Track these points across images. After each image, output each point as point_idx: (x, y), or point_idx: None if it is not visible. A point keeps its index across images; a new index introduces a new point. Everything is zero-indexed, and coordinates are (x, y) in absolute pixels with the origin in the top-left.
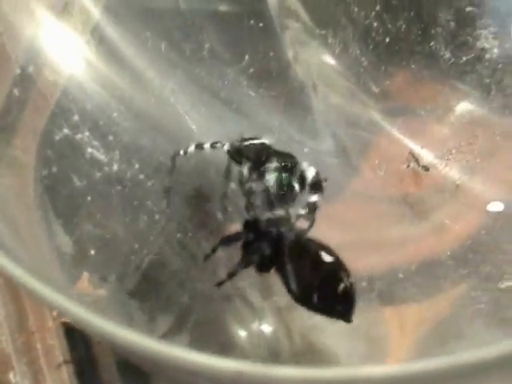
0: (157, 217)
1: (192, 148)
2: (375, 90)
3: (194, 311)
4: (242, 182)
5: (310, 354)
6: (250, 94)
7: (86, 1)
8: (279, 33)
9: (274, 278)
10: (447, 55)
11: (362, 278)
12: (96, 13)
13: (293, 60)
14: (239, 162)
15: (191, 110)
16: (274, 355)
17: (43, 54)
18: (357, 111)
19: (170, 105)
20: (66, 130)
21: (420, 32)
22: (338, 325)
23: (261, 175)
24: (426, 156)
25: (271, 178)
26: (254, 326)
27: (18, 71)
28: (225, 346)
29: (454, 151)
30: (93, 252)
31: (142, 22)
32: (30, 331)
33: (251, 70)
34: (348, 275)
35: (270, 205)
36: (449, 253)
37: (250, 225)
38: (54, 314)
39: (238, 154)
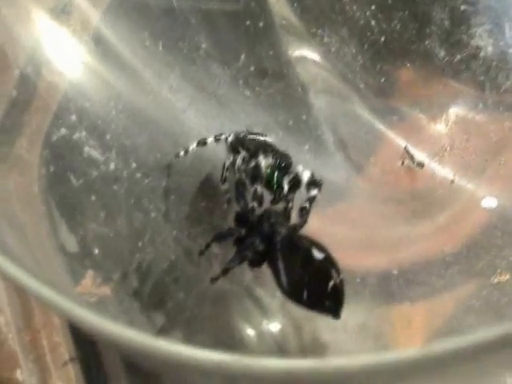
0: (153, 215)
1: (193, 146)
2: (371, 88)
3: (189, 307)
4: (234, 171)
5: (318, 351)
6: (247, 93)
7: (85, 4)
8: (275, 32)
9: None
10: (442, 54)
11: (368, 276)
12: (95, 15)
13: (289, 59)
14: (237, 152)
15: (188, 109)
16: (281, 352)
17: (43, 55)
18: (352, 109)
19: (167, 103)
20: (63, 130)
21: (415, 31)
22: (347, 322)
23: (254, 168)
24: (421, 153)
25: (263, 174)
26: (262, 323)
27: (18, 73)
28: (231, 343)
29: (448, 148)
30: (96, 250)
31: (140, 23)
32: (36, 329)
33: (247, 69)
34: (338, 272)
35: (259, 199)
36: (446, 250)
37: (242, 218)
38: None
39: (238, 144)
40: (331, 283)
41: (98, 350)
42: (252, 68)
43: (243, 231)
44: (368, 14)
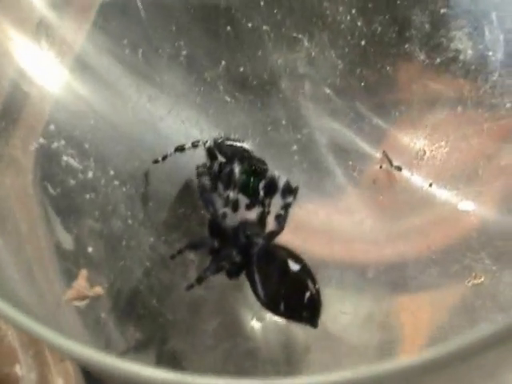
0: (130, 222)
1: (171, 152)
2: (350, 92)
3: (162, 315)
4: (211, 178)
5: (324, 342)
6: (227, 99)
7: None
8: (255, 38)
9: None
10: (422, 57)
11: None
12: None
13: (269, 64)
14: (214, 158)
15: (168, 116)
16: (287, 344)
17: (25, 73)
18: (331, 113)
19: (146, 112)
20: (41, 140)
21: (395, 34)
22: (354, 314)
23: (228, 174)
24: (400, 156)
25: (237, 180)
26: (267, 315)
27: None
28: (237, 336)
29: (427, 151)
30: (90, 249)
31: (119, 31)
32: None
33: (228, 75)
34: (314, 282)
35: (233, 205)
36: (422, 252)
37: (214, 226)
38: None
39: (216, 150)
40: (307, 294)
41: None
42: (232, 74)
43: (216, 243)
44: (348, 17)
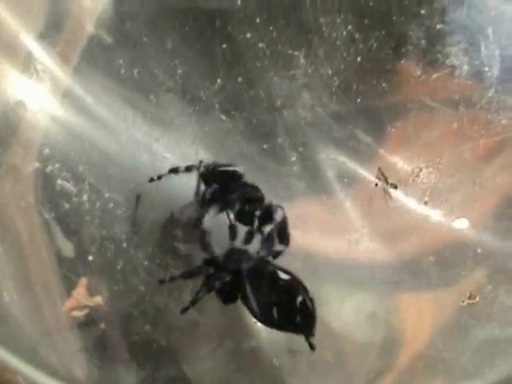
0: (124, 245)
1: (166, 173)
2: (346, 110)
3: (156, 339)
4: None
5: (327, 340)
6: (222, 117)
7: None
8: (251, 55)
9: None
10: (418, 73)
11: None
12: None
13: (265, 82)
14: (208, 185)
15: (163, 137)
16: (291, 341)
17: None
18: (327, 131)
19: (141, 132)
20: (36, 164)
21: (391, 50)
22: (358, 312)
23: (225, 204)
24: (395, 174)
25: (234, 208)
26: None
27: None
28: (241, 335)
29: (423, 168)
30: (90, 257)
31: (115, 50)
32: None
33: (223, 93)
34: (305, 290)
35: (232, 236)
36: (415, 267)
37: (210, 262)
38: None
39: (209, 176)
40: (299, 299)
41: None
42: (228, 92)
43: (212, 270)
44: (344, 34)
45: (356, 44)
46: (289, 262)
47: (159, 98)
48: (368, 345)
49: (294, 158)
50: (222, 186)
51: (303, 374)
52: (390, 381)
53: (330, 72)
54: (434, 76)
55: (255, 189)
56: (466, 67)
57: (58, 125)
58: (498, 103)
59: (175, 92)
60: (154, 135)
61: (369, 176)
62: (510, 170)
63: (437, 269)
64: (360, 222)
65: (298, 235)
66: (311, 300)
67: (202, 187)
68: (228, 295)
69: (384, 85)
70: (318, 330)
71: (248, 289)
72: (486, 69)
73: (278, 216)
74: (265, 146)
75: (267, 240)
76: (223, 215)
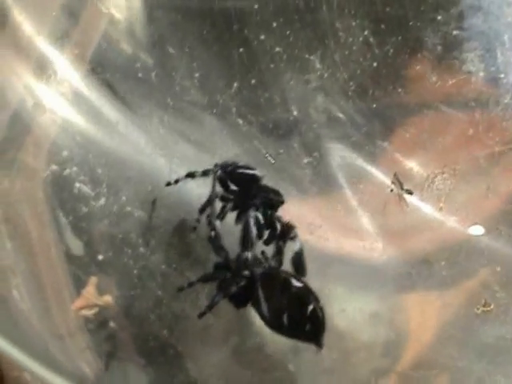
0: (141, 249)
1: (183, 177)
2: (362, 114)
3: (172, 345)
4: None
5: (331, 337)
6: (239, 122)
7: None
8: (268, 59)
9: None
10: (434, 78)
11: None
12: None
13: (282, 86)
14: (226, 188)
15: (181, 139)
16: (295, 341)
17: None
18: (343, 136)
19: (159, 136)
20: (54, 166)
21: (407, 56)
22: (362, 311)
23: (246, 208)
24: (411, 180)
25: (255, 214)
26: None
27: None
28: (246, 332)
29: (438, 175)
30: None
31: (133, 52)
32: None
33: (240, 97)
34: (317, 300)
35: (249, 243)
36: (427, 272)
37: (222, 266)
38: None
39: (227, 178)
40: (310, 307)
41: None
42: (245, 96)
43: (229, 274)
44: (361, 39)
45: (372, 49)
46: None
47: (177, 101)
48: (372, 344)
49: (308, 162)
50: (242, 189)
51: (307, 371)
52: (395, 381)
53: (345, 76)
54: (450, 82)
55: (277, 193)
56: (481, 73)
57: (75, 127)
58: None
59: (193, 95)
60: (171, 138)
61: (384, 181)
62: None
63: (448, 273)
64: (374, 227)
65: (311, 239)
66: (321, 309)
67: (219, 190)
68: (240, 300)
69: (400, 90)
70: None
71: (260, 294)
72: (502, 75)
73: (296, 246)
74: (281, 151)
75: (278, 253)
76: (239, 219)
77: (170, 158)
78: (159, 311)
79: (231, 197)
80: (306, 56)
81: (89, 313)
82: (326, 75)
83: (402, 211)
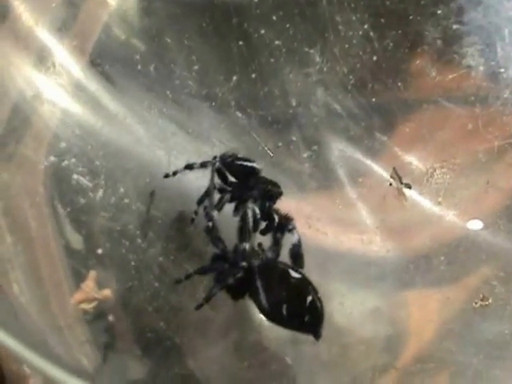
0: (139, 241)
1: (181, 169)
2: (362, 108)
3: (169, 337)
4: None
5: (332, 333)
6: (238, 115)
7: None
8: (267, 53)
9: None
10: (433, 73)
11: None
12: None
13: (281, 79)
14: (224, 179)
15: (179, 131)
16: (295, 336)
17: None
18: (342, 130)
19: (157, 127)
20: (52, 158)
21: (407, 50)
22: (363, 307)
23: (244, 199)
24: (410, 174)
25: (253, 206)
26: None
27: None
28: (246, 328)
29: (437, 169)
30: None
31: (132, 45)
32: None
33: (239, 90)
34: (315, 290)
35: (246, 234)
36: (425, 266)
37: (219, 257)
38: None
39: (226, 169)
40: (309, 298)
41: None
42: (244, 89)
43: (226, 266)
44: (361, 33)
45: (372, 43)
46: None
47: (176, 94)
48: (372, 339)
49: (307, 156)
50: (241, 181)
51: (307, 365)
52: (395, 376)
53: (345, 70)
54: (450, 76)
55: (275, 185)
56: (481, 68)
57: (74, 119)
58: None
59: (192, 88)
60: (169, 130)
61: (383, 175)
62: None
63: (447, 268)
64: (373, 221)
65: (309, 233)
66: (320, 300)
67: (217, 182)
68: (238, 291)
69: (399, 84)
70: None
71: (259, 285)
72: (502, 70)
73: (294, 238)
74: (279, 144)
75: (276, 244)
76: (237, 210)
77: (168, 150)
78: (156, 303)
79: (229, 188)
80: (306, 49)
81: (88, 306)
82: (325, 69)
83: (400, 205)
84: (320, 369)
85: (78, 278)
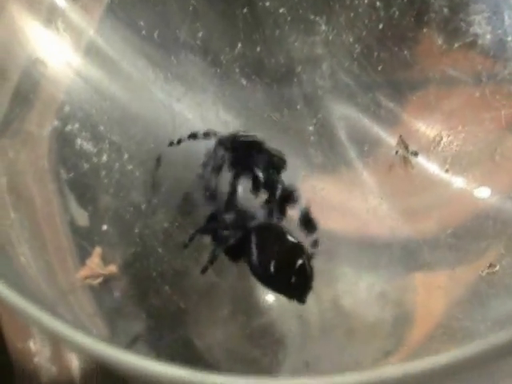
0: (143, 207)
1: (185, 137)
2: (367, 76)
3: (174, 301)
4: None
5: (338, 318)
6: (243, 82)
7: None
8: (272, 21)
9: None
10: (440, 41)
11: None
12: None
13: (286, 47)
14: (227, 149)
15: (184, 97)
16: (301, 319)
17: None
18: (348, 98)
19: (162, 93)
20: (55, 122)
21: (413, 18)
22: (368, 291)
23: (247, 169)
24: (416, 142)
25: (258, 171)
26: None
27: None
28: (252, 312)
29: (444, 137)
30: (105, 226)
31: (136, 11)
32: None
33: (244, 57)
34: (309, 258)
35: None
36: (439, 235)
37: (214, 217)
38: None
39: (228, 141)
40: (300, 261)
41: None
42: (249, 57)
43: (226, 222)
44: (366, 1)
45: (378, 11)
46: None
47: (180, 59)
48: (379, 322)
49: (313, 125)
50: (244, 152)
51: (313, 349)
52: (400, 359)
53: (351, 39)
54: (456, 45)
55: (280, 154)
56: (488, 36)
57: (79, 82)
58: None
59: (196, 53)
60: (175, 95)
61: (389, 143)
62: None
63: (456, 241)
64: (379, 190)
65: (314, 206)
66: (311, 267)
67: (221, 151)
68: (236, 253)
69: (405, 52)
70: (328, 307)
71: (253, 241)
72: (509, 38)
73: (300, 206)
74: (285, 112)
75: (281, 213)
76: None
77: (173, 116)
78: (161, 268)
79: (232, 156)
80: (311, 17)
81: (94, 282)
82: (331, 37)
83: (407, 174)
84: (326, 352)
85: (84, 255)
